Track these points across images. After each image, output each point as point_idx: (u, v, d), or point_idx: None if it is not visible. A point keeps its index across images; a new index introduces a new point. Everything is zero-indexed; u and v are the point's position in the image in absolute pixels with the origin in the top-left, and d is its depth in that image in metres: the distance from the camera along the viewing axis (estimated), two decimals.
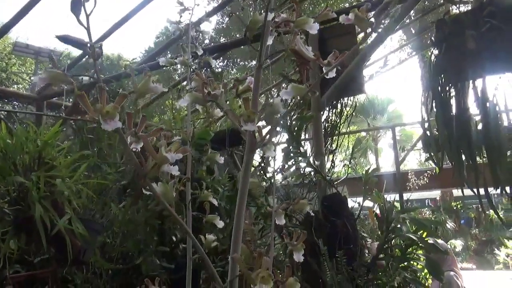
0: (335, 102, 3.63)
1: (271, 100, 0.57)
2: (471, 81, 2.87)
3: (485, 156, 3.07)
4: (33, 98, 5.80)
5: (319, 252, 2.83)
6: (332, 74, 0.61)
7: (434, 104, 3.07)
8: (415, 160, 17.06)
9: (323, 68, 0.63)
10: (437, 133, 3.42)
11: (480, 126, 3.07)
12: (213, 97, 0.58)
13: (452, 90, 2.96)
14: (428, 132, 3.43)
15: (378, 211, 3.39)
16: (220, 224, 0.90)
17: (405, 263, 2.77)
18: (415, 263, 2.94)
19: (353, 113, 4.54)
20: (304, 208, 0.73)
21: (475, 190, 3.24)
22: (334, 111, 3.79)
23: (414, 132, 16.85)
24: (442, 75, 2.95)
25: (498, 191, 3.23)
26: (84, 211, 2.14)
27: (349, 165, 5.64)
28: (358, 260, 2.84)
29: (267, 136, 0.60)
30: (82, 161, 1.96)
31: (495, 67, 2.79)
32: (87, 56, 0.59)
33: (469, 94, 3.05)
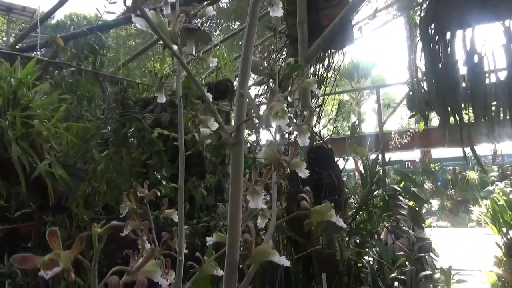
0: (323, 55, 3.56)
1: None
2: (460, 31, 2.84)
3: (471, 109, 3.10)
4: (6, 52, 5.51)
5: None
6: None
7: (423, 56, 3.04)
8: (396, 124, 17.35)
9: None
10: (423, 90, 3.43)
11: (466, 80, 3.07)
12: None
13: (441, 41, 2.93)
14: (415, 89, 3.42)
15: (361, 168, 3.43)
16: (214, 125, 0.85)
17: (389, 213, 2.83)
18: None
19: (337, 76, 4.50)
20: (313, 86, 0.67)
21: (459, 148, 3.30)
22: (321, 65, 3.72)
23: (396, 96, 17.01)
24: (432, 25, 2.90)
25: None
26: (65, 158, 2.07)
27: (334, 125, 5.65)
28: (343, 210, 2.89)
29: None
30: (60, 103, 1.87)
31: (485, 16, 2.75)
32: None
33: (458, 47, 3.03)
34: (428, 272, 2.91)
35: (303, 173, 0.63)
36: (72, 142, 2.05)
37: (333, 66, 3.91)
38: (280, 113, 0.48)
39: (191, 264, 0.63)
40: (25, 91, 1.77)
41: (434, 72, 2.97)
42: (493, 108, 3.12)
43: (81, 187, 2.18)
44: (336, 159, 3.31)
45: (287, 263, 0.51)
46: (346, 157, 3.42)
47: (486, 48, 2.98)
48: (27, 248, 3.15)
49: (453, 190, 13.67)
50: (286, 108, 0.49)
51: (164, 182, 3.00)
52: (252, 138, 3.84)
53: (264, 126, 0.48)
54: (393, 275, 2.80)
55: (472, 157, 4.37)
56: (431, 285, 2.74)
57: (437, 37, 2.90)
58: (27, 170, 1.66)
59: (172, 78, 0.98)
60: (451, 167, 14.70)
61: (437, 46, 2.98)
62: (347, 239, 2.71)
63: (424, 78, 3.30)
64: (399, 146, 6.81)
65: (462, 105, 3.10)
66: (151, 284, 0.55)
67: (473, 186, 12.94)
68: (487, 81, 3.05)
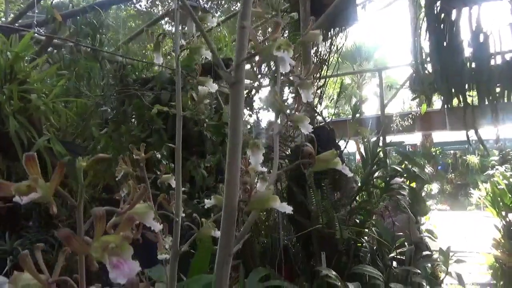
0: (325, 34, 3.50)
1: None
2: (466, 9, 2.78)
3: (475, 92, 3.07)
4: (4, 26, 5.43)
5: (305, 182, 2.85)
6: None
7: (427, 35, 2.99)
8: (398, 108, 17.27)
9: None
10: (427, 71, 3.38)
11: (471, 60, 3.03)
12: None
13: (447, 19, 2.87)
14: (419, 70, 3.38)
15: (362, 150, 3.41)
16: (214, 87, 0.83)
17: (389, 193, 2.83)
18: None
19: (339, 58, 4.44)
20: (316, 39, 0.64)
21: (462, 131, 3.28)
22: (324, 43, 3.67)
23: (398, 80, 16.88)
24: (438, 3, 2.84)
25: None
26: (64, 135, 2.05)
27: (335, 106, 5.61)
28: (343, 190, 2.89)
29: None
30: (58, 78, 1.83)
31: None
32: None
33: (463, 26, 2.97)
34: (427, 252, 2.92)
35: (306, 128, 0.60)
36: (71, 119, 2.03)
37: (335, 46, 3.85)
38: (284, 46, 0.45)
39: (188, 225, 0.62)
40: (22, 66, 1.74)
41: (439, 51, 2.92)
42: (497, 90, 3.08)
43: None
44: (337, 140, 3.30)
45: (288, 209, 0.49)
46: (347, 139, 3.40)
47: (492, 27, 2.92)
48: (28, 226, 3.16)
49: (453, 174, 13.71)
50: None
51: (164, 162, 2.99)
52: (253, 118, 3.82)
53: (266, 59, 0.45)
54: (392, 255, 2.82)
55: (474, 141, 4.35)
56: (429, 265, 2.76)
57: (442, 15, 2.84)
58: (25, 145, 1.64)
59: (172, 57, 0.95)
60: (451, 151, 14.71)
61: (442, 25, 2.92)
62: (347, 218, 2.72)
63: (428, 58, 3.25)
64: (400, 128, 6.78)
65: (466, 86, 3.06)
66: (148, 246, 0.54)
67: (473, 170, 12.98)
68: (492, 62, 3.00)
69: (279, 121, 0.56)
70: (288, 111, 0.72)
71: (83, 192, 0.48)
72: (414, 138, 13.14)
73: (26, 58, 2.20)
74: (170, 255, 0.65)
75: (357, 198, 3.12)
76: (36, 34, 4.60)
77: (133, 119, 2.56)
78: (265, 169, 0.58)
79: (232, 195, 0.49)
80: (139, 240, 0.56)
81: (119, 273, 0.42)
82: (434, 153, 13.20)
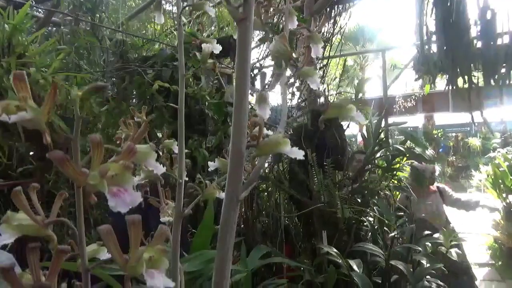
0: (329, 10, 3.43)
1: None
2: None
3: (480, 69, 3.02)
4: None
5: (307, 162, 2.84)
6: None
7: (434, 13, 2.92)
8: (400, 90, 17.12)
9: None
10: (432, 51, 3.33)
11: (478, 38, 2.97)
12: None
13: None
14: (424, 49, 3.32)
15: (364, 132, 3.39)
16: (217, 47, 0.81)
17: (392, 172, 2.82)
18: (400, 173, 3.01)
19: (342, 39, 4.35)
20: None
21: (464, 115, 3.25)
22: (327, 23, 3.59)
23: (401, 62, 16.69)
24: None
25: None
26: (65, 111, 2.03)
27: (339, 85, 5.54)
28: (345, 169, 2.88)
29: None
30: (58, 52, 1.80)
31: None
32: None
33: (471, 3, 2.91)
34: (428, 232, 2.93)
35: (316, 83, 0.58)
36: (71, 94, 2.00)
37: (338, 26, 3.78)
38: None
39: (192, 186, 0.61)
40: (21, 39, 1.70)
41: (445, 29, 2.86)
42: (503, 70, 3.04)
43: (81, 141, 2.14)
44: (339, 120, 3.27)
45: (300, 155, 0.47)
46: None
47: (500, 5, 2.87)
48: (31, 205, 3.17)
49: (454, 157, 13.71)
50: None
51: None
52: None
53: None
54: (392, 234, 2.83)
55: (476, 123, 4.31)
56: (430, 244, 2.77)
57: None
58: None
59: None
60: (453, 134, 14.68)
61: (449, 2, 2.86)
62: (348, 197, 2.72)
63: (434, 37, 3.19)
64: (403, 110, 6.73)
65: (472, 66, 3.01)
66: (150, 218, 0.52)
67: (474, 153, 12.97)
68: (499, 42, 2.94)
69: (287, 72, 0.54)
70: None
71: (79, 123, 0.45)
72: (416, 121, 13.10)
73: (27, 36, 2.15)
74: (173, 218, 0.64)
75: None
76: (35, 12, 4.52)
77: (134, 97, 2.53)
78: (270, 132, 0.56)
79: (239, 137, 0.47)
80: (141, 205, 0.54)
81: (120, 201, 0.39)
82: (436, 135, 13.17)
